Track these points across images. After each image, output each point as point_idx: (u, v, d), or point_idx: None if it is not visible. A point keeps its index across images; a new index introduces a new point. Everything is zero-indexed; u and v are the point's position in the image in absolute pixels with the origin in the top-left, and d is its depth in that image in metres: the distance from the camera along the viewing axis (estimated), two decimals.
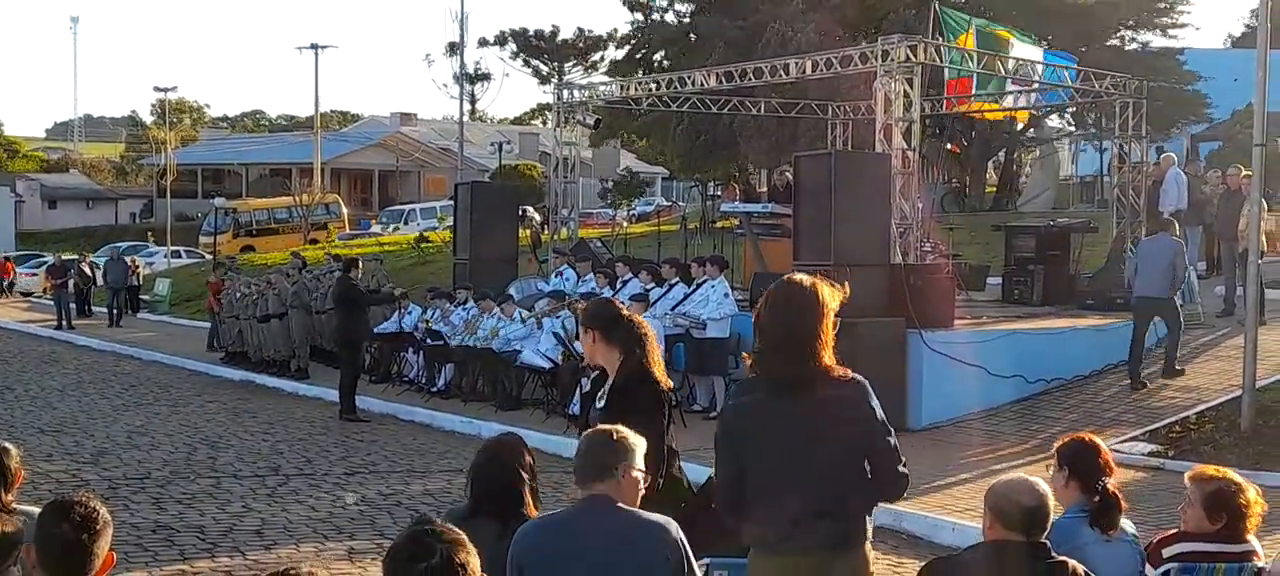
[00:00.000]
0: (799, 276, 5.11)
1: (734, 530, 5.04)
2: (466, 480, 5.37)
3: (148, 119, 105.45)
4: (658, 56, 40.85)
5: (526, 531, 4.65)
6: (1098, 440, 5.34)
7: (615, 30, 48.88)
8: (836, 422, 4.89)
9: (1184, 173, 21.39)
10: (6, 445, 5.27)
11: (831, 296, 4.97)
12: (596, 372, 6.15)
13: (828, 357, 4.92)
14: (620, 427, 4.73)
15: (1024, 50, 21.80)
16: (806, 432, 4.88)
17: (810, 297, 4.95)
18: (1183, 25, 38.82)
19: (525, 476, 5.21)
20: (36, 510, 4.56)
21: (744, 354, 5.17)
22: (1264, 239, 16.53)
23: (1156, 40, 39.08)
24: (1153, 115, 22.04)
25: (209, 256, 45.18)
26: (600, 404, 5.94)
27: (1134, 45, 38.44)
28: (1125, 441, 13.66)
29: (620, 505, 4.56)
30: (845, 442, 4.91)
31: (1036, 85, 22.22)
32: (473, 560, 3.37)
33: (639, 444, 4.67)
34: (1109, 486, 5.24)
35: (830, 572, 4.88)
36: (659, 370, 5.95)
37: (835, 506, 4.88)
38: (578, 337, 16.24)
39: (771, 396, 4.94)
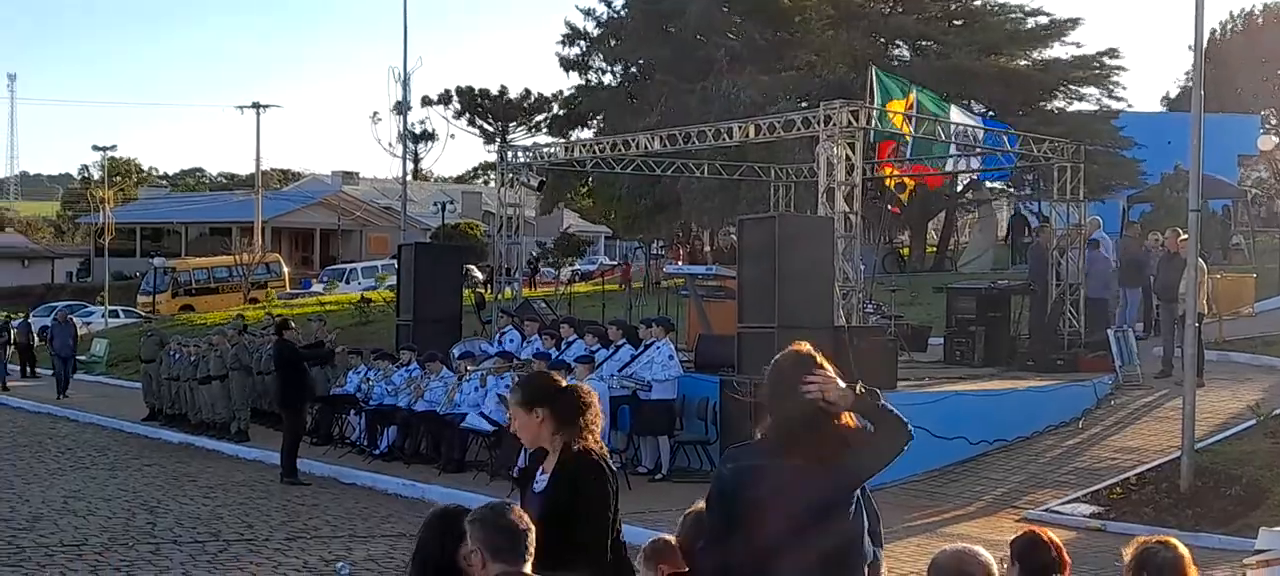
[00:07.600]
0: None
1: None
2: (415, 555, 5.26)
3: (87, 176, 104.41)
4: (597, 118, 40.99)
5: None
6: (1054, 537, 5.17)
7: (561, 92, 49.01)
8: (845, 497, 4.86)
9: (1123, 236, 21.70)
10: None
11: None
12: (533, 449, 5.59)
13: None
14: (517, 509, 4.62)
15: (960, 117, 22.12)
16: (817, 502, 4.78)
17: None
18: (1119, 98, 39.45)
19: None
20: None
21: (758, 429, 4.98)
22: (1203, 301, 16.76)
23: (1092, 106, 39.66)
24: (1089, 178, 22.34)
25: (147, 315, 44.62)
26: (540, 487, 5.37)
27: (1072, 109, 39.02)
28: (1066, 503, 13.79)
29: None
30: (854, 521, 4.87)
31: (978, 150, 22.49)
32: None
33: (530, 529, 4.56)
34: None
35: None
36: (594, 440, 5.44)
37: None
38: None
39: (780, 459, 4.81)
